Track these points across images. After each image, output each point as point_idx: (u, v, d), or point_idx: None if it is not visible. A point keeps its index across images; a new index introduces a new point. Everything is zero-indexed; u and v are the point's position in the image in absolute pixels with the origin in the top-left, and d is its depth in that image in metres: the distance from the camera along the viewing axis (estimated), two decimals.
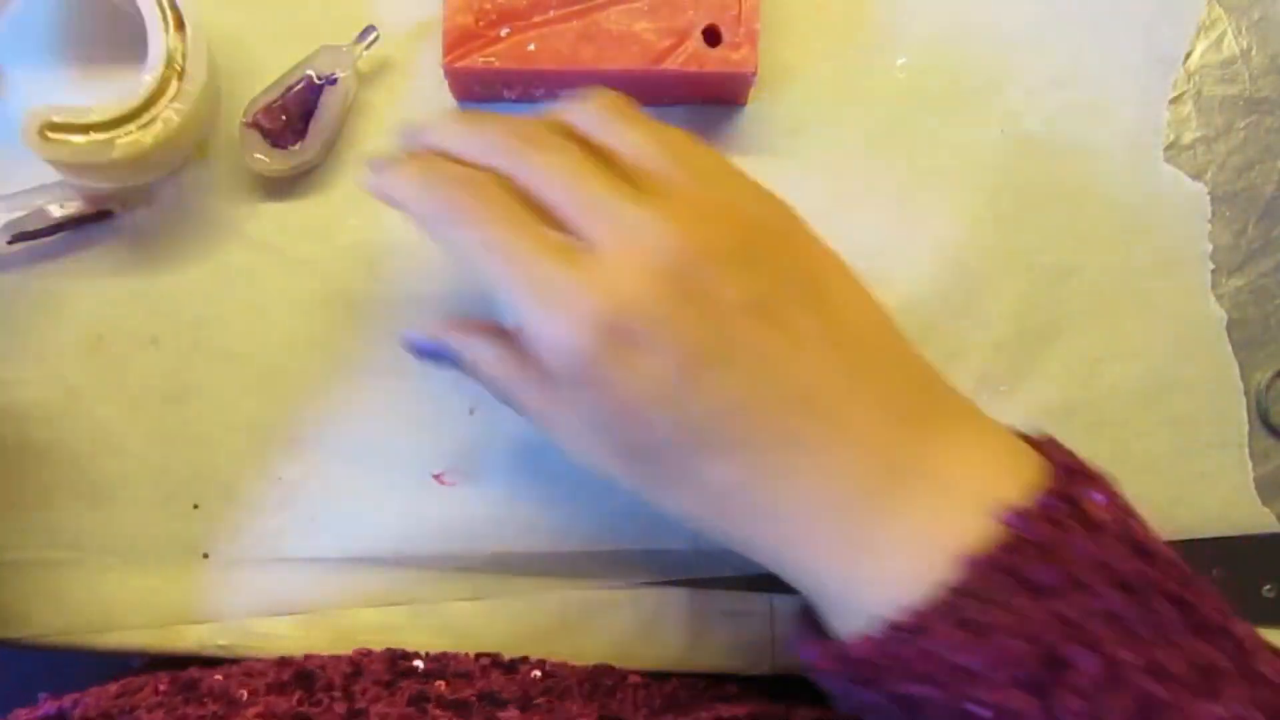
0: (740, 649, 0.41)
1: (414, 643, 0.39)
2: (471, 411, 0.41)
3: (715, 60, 0.39)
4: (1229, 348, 0.42)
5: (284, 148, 0.40)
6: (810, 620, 0.32)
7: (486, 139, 0.32)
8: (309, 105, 0.40)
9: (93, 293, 0.41)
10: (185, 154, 0.41)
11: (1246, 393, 0.42)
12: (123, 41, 0.40)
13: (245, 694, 0.34)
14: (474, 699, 0.36)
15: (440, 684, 0.36)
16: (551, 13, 0.39)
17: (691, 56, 0.39)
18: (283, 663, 0.37)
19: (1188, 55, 0.44)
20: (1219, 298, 0.43)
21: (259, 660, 0.37)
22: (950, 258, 0.42)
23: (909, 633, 0.28)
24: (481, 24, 0.39)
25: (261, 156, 0.40)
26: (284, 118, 0.40)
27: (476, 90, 0.41)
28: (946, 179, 0.42)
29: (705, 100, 0.42)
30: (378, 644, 0.39)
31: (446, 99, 0.42)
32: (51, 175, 0.40)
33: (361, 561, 0.41)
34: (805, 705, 0.36)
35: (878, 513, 0.29)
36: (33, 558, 0.41)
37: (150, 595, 0.41)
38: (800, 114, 0.43)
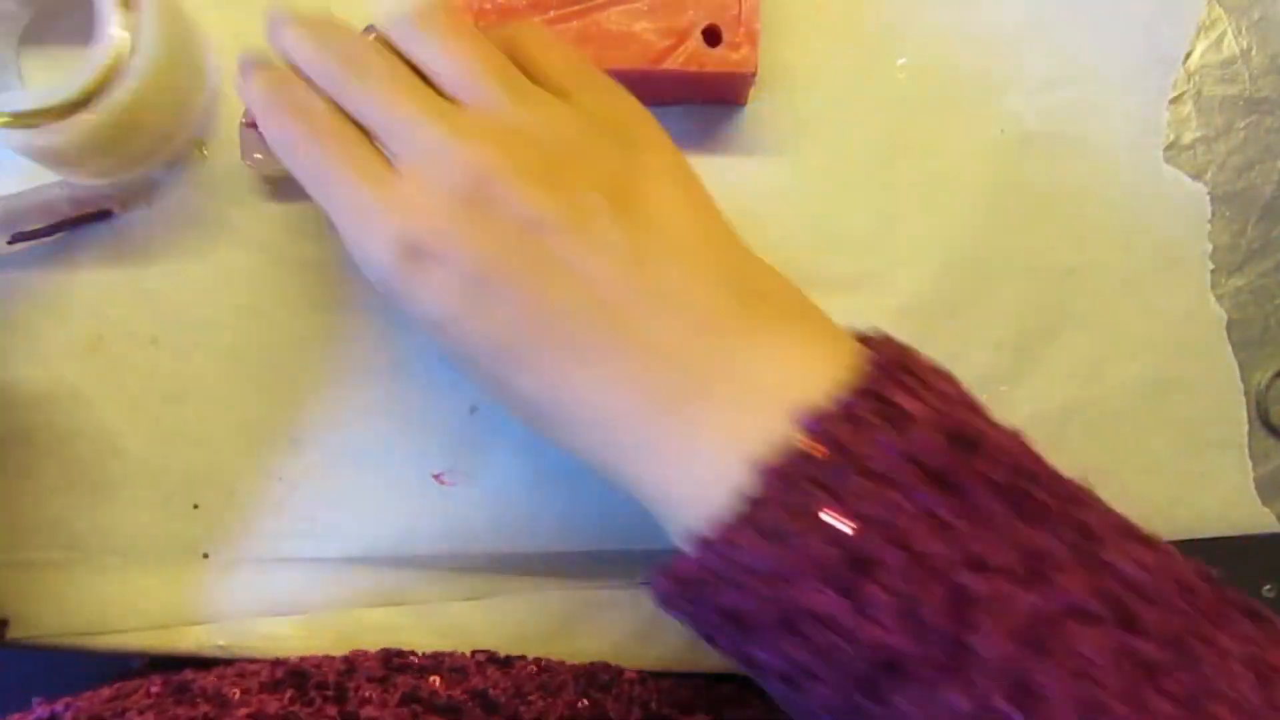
0: None
1: (414, 643, 0.39)
2: (472, 411, 0.41)
3: (715, 60, 0.39)
4: (1229, 348, 0.42)
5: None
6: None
7: (318, 61, 0.33)
8: None
9: (93, 293, 0.41)
10: (168, 141, 0.41)
11: (1246, 393, 0.42)
12: (81, 23, 0.39)
13: (237, 693, 0.34)
14: (466, 699, 0.36)
15: (435, 679, 0.36)
16: (551, 13, 0.39)
17: (691, 56, 0.39)
18: (277, 663, 0.37)
19: (1188, 55, 0.44)
20: (1219, 298, 0.43)
21: (254, 661, 0.37)
22: (950, 258, 0.42)
23: (715, 546, 0.28)
24: (481, 24, 0.39)
25: (260, 156, 0.40)
26: None
27: None
28: (946, 179, 0.42)
29: (705, 100, 0.42)
30: (378, 644, 0.39)
31: None
32: (50, 176, 0.40)
33: (361, 562, 0.41)
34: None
35: (678, 422, 0.29)
36: (32, 558, 0.41)
37: (150, 596, 0.41)
38: (800, 114, 0.43)
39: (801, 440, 0.27)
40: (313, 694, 0.35)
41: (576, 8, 0.39)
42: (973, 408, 0.30)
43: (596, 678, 0.39)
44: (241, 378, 0.41)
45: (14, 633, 0.40)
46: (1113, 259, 0.42)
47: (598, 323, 0.30)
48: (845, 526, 0.26)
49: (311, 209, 0.42)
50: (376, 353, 0.41)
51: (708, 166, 0.42)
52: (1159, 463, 0.42)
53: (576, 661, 0.40)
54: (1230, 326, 0.42)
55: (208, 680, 0.35)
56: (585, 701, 0.37)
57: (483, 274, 0.30)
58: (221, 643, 0.41)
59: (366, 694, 0.35)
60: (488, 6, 0.39)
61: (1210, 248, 0.43)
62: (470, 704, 0.36)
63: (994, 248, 0.42)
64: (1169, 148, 0.43)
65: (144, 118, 0.38)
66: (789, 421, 0.28)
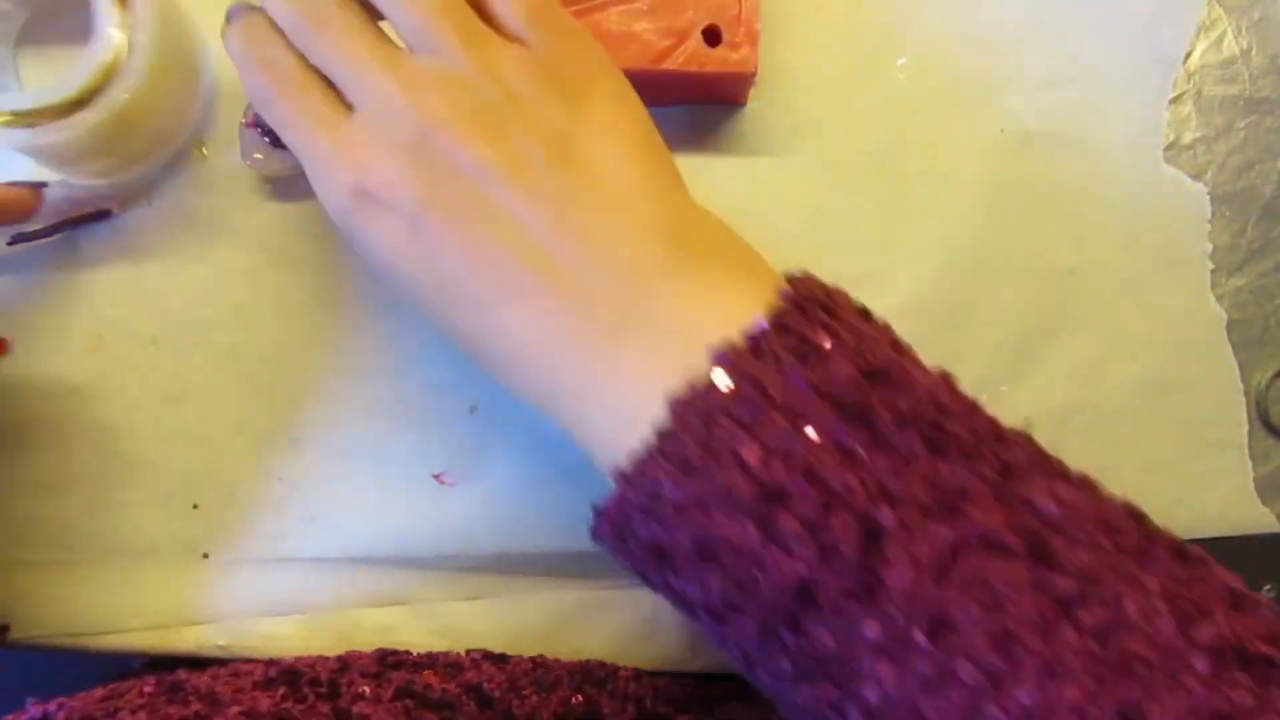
0: None
1: (413, 643, 0.39)
2: (472, 411, 0.41)
3: (715, 60, 0.39)
4: (1229, 348, 0.42)
5: (283, 148, 0.40)
6: None
7: (287, 14, 0.34)
8: None
9: (93, 293, 0.41)
10: (166, 140, 0.41)
11: (1246, 393, 0.42)
12: (76, 24, 0.39)
13: (230, 692, 0.34)
14: (461, 694, 0.36)
15: (429, 674, 0.37)
16: None
17: (691, 56, 0.39)
18: (271, 662, 0.37)
19: (1188, 55, 0.44)
20: (1219, 298, 0.43)
21: (250, 661, 0.37)
22: (950, 258, 0.42)
23: (633, 479, 0.29)
24: None
25: (260, 156, 0.40)
26: None
27: None
28: (946, 179, 0.42)
29: (705, 100, 0.42)
30: (377, 644, 0.39)
31: None
32: (49, 176, 0.40)
33: (361, 561, 0.41)
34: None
35: (602, 361, 0.30)
36: (32, 558, 0.41)
37: (150, 596, 0.41)
38: (800, 114, 0.43)
39: (713, 374, 0.28)
40: (305, 691, 0.35)
41: (577, 8, 0.39)
42: (895, 346, 0.30)
43: (592, 674, 0.39)
44: (241, 378, 0.41)
45: (14, 633, 0.40)
46: (1113, 259, 0.42)
47: (527, 265, 0.31)
48: (753, 458, 0.27)
49: (311, 209, 0.42)
50: (376, 352, 0.41)
51: (708, 166, 0.42)
52: (1159, 463, 0.42)
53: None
54: (1230, 326, 0.42)
55: (201, 680, 0.35)
56: (579, 697, 0.38)
57: (423, 218, 0.31)
58: (221, 642, 0.41)
59: (360, 689, 0.35)
60: None
61: (1210, 248, 0.43)
62: (465, 698, 0.36)
63: (994, 248, 0.42)
64: (1169, 148, 0.43)
65: (142, 116, 0.38)
66: (703, 357, 0.29)
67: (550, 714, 0.36)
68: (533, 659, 0.39)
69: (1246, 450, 0.42)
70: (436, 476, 0.41)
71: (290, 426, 0.41)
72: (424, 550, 0.41)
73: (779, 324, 0.29)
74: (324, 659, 0.37)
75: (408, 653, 0.38)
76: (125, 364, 0.41)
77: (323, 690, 0.35)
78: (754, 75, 0.40)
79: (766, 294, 0.30)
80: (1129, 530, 0.28)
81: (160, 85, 0.38)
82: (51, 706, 0.33)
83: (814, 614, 0.27)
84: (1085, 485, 0.29)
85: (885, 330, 0.31)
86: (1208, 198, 0.43)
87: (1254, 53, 0.44)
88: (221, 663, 0.38)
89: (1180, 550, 0.29)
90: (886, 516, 0.27)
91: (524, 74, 0.32)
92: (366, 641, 0.39)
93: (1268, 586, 0.42)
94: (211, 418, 0.41)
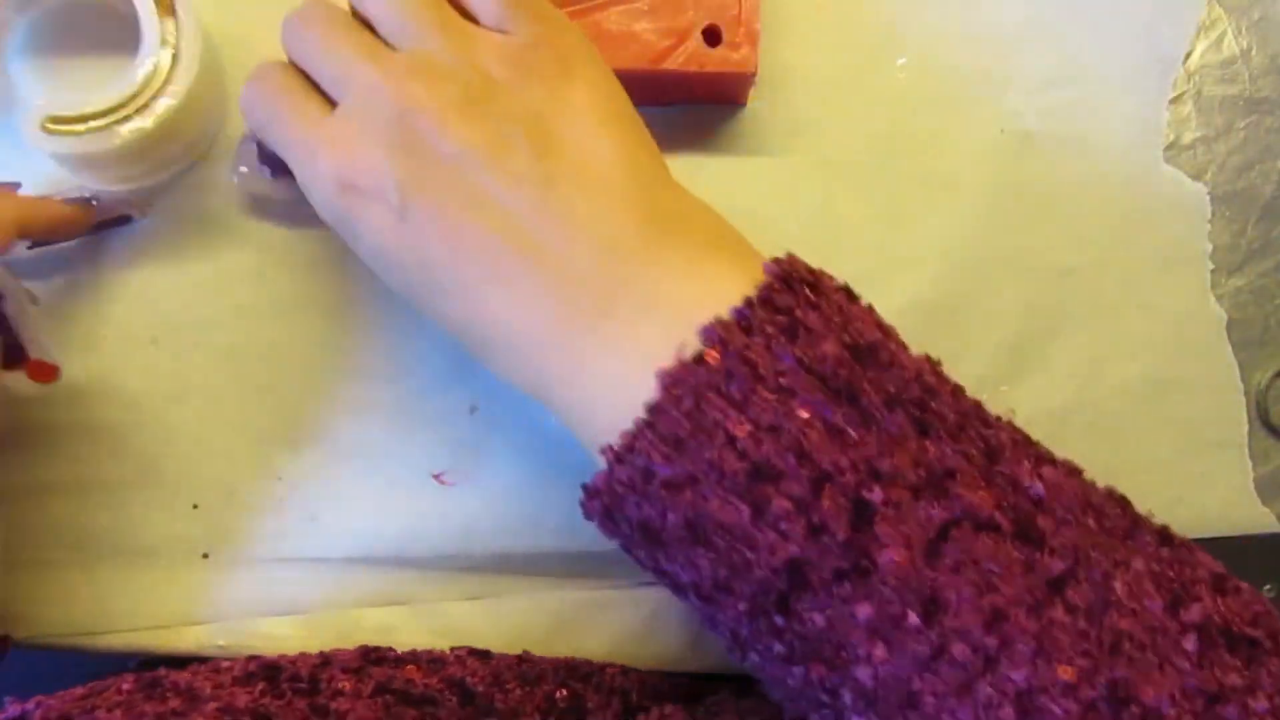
0: None
1: (413, 643, 0.39)
2: (472, 411, 0.41)
3: (715, 60, 0.39)
4: (1229, 348, 0.42)
5: (271, 175, 0.40)
6: None
7: (283, 26, 0.35)
8: None
9: (93, 293, 0.41)
10: (193, 148, 0.41)
11: (1246, 393, 0.42)
12: (115, 33, 0.40)
13: (209, 688, 0.34)
14: (443, 689, 0.36)
15: (411, 668, 0.37)
16: None
17: (691, 56, 0.39)
18: (251, 658, 0.37)
19: (1187, 55, 0.44)
20: (1219, 298, 0.43)
21: (230, 659, 0.37)
22: (950, 258, 0.42)
23: (622, 456, 0.29)
24: None
25: (245, 170, 0.40)
26: None
27: None
28: (946, 179, 0.42)
29: (706, 100, 0.42)
30: (377, 644, 0.39)
31: None
32: (69, 181, 0.40)
33: (361, 561, 0.41)
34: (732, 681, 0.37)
35: (587, 340, 0.31)
36: (33, 558, 0.41)
37: (150, 596, 0.41)
38: (800, 114, 0.43)
39: (700, 350, 0.28)
40: (284, 687, 0.35)
41: (576, 8, 0.39)
42: (879, 326, 0.30)
43: (577, 669, 0.39)
44: (241, 378, 0.41)
45: (15, 633, 0.40)
46: (1113, 259, 0.42)
47: (511, 248, 0.31)
48: (743, 434, 0.27)
49: (312, 209, 0.42)
50: (376, 353, 0.41)
51: (708, 166, 0.42)
52: (1159, 463, 0.42)
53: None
54: (1230, 326, 0.42)
55: (180, 676, 0.35)
56: (564, 691, 0.38)
57: (407, 205, 0.31)
58: (221, 642, 0.41)
59: (339, 685, 0.35)
60: None
61: (1210, 248, 0.43)
62: (446, 693, 0.36)
63: (994, 247, 0.42)
64: (1169, 148, 0.43)
65: (182, 124, 0.39)
66: (692, 334, 0.29)
67: (534, 708, 0.37)
68: (518, 655, 0.39)
69: (1246, 450, 0.42)
70: (437, 477, 0.41)
71: (290, 427, 0.41)
72: (424, 550, 0.41)
73: (767, 301, 0.29)
74: (306, 655, 0.37)
75: (391, 649, 0.38)
76: (125, 364, 0.41)
77: (302, 686, 0.35)
78: (754, 75, 0.40)
79: (752, 272, 0.30)
80: (1113, 513, 0.28)
81: (198, 95, 0.39)
82: (30, 705, 0.33)
83: (805, 595, 0.27)
84: (1069, 468, 0.30)
85: (869, 310, 0.31)
86: (1208, 198, 0.43)
87: (1254, 53, 0.44)
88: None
89: (1164, 534, 0.29)
90: (876, 495, 0.27)
91: (503, 60, 0.33)
92: (366, 641, 0.39)
93: (1268, 586, 0.42)
94: (212, 418, 0.41)
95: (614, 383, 0.30)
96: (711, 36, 0.39)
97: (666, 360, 0.29)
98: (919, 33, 0.43)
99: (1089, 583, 0.26)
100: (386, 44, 0.34)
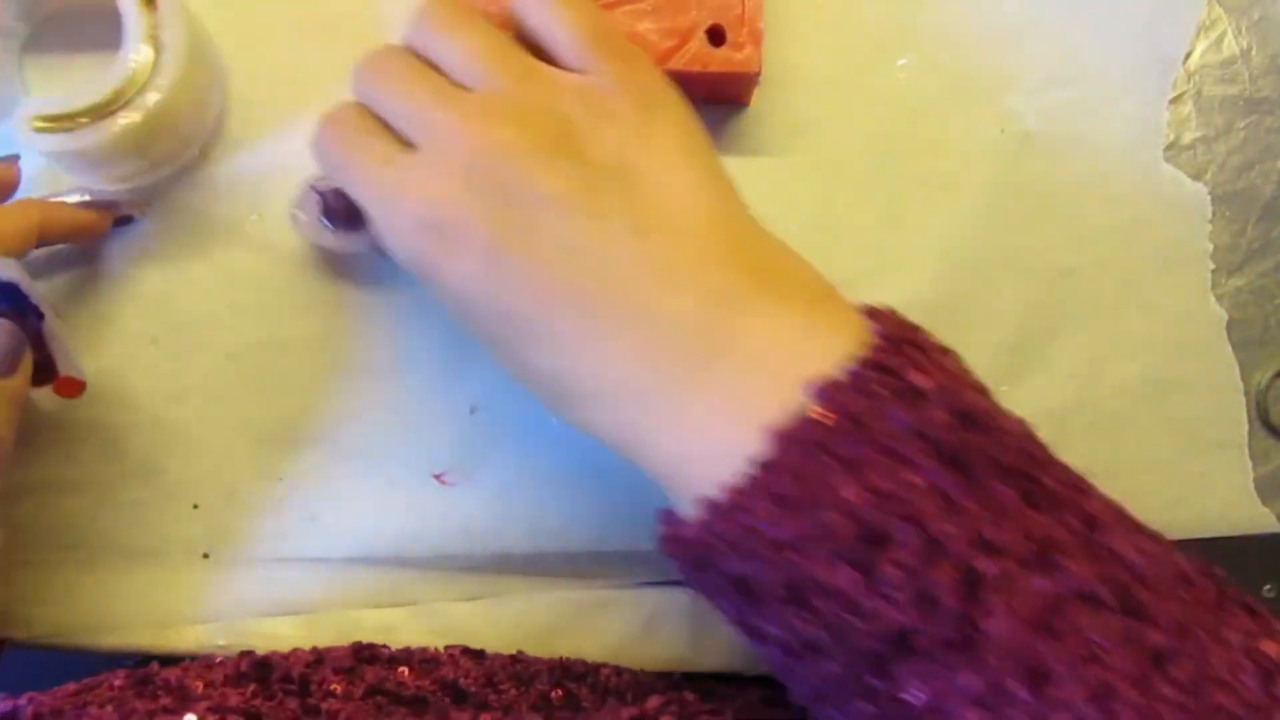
0: (740, 649, 0.41)
1: (413, 643, 0.39)
2: (472, 411, 0.41)
3: (719, 60, 0.39)
4: (1229, 348, 0.42)
5: (333, 227, 0.39)
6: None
7: (354, 73, 0.35)
8: None
9: (94, 292, 0.41)
10: (190, 144, 0.41)
11: (1246, 393, 0.42)
12: (80, 33, 0.40)
13: (200, 686, 0.34)
14: (435, 690, 0.36)
15: (404, 670, 0.37)
16: None
17: (695, 57, 0.39)
18: (244, 655, 0.37)
19: (1187, 55, 0.44)
20: (1219, 298, 0.43)
21: (224, 656, 0.37)
22: (950, 258, 0.42)
23: (725, 510, 0.28)
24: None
25: (303, 216, 0.39)
26: (350, 204, 0.36)
27: None
28: (947, 179, 0.42)
29: (709, 100, 0.42)
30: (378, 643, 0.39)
31: None
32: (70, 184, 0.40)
33: (362, 562, 0.41)
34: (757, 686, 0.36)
35: (688, 393, 0.30)
36: (33, 558, 0.41)
37: (150, 596, 0.41)
38: (801, 114, 0.43)
39: (814, 409, 0.28)
40: (275, 687, 0.35)
41: None
42: (978, 389, 0.30)
43: (571, 669, 0.39)
44: (242, 378, 0.41)
45: (16, 633, 0.40)
46: (1113, 259, 0.42)
47: (607, 297, 0.30)
48: (855, 497, 0.27)
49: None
50: (377, 352, 0.41)
51: None
52: (1159, 463, 0.42)
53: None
54: (1230, 326, 0.42)
55: (171, 673, 0.35)
56: (559, 691, 0.38)
57: (498, 251, 0.31)
58: (221, 642, 0.40)
59: (331, 686, 0.35)
60: (493, 10, 0.39)
61: (1211, 248, 0.43)
62: (438, 694, 0.36)
63: (994, 247, 0.42)
64: (1169, 148, 0.43)
65: (171, 119, 0.38)
66: (801, 390, 0.28)
67: (528, 707, 0.36)
68: (511, 655, 0.39)
69: (1247, 450, 0.42)
70: (438, 477, 0.41)
71: (291, 427, 0.41)
72: (424, 550, 0.41)
73: (877, 362, 0.28)
74: (299, 652, 0.37)
75: (385, 647, 0.38)
76: (126, 364, 0.41)
77: (293, 687, 0.35)
78: (758, 75, 0.40)
79: (855, 329, 0.30)
80: (1203, 583, 0.28)
81: (187, 87, 0.38)
82: (21, 701, 0.33)
83: (908, 661, 0.27)
84: (1159, 538, 0.29)
85: (966, 368, 0.31)
86: (1208, 198, 0.43)
87: (1254, 53, 0.44)
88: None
89: (1249, 605, 0.29)
90: (987, 566, 0.26)
91: (586, 102, 0.32)
92: (364, 640, 0.39)
93: (1268, 586, 0.42)
94: (212, 418, 0.41)
95: (716, 436, 0.29)
96: (715, 36, 0.39)
97: (773, 416, 0.28)
98: (919, 33, 0.43)
99: (1189, 656, 0.26)
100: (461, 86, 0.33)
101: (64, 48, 0.41)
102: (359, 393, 0.41)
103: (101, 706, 0.33)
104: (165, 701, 0.33)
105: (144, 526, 0.41)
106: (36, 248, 0.38)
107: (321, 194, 0.38)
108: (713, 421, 0.29)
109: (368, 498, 0.41)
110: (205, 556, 0.41)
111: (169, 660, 0.38)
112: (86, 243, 0.40)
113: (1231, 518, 0.42)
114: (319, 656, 0.37)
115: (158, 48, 0.37)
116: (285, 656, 0.37)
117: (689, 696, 0.36)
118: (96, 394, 0.41)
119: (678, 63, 0.39)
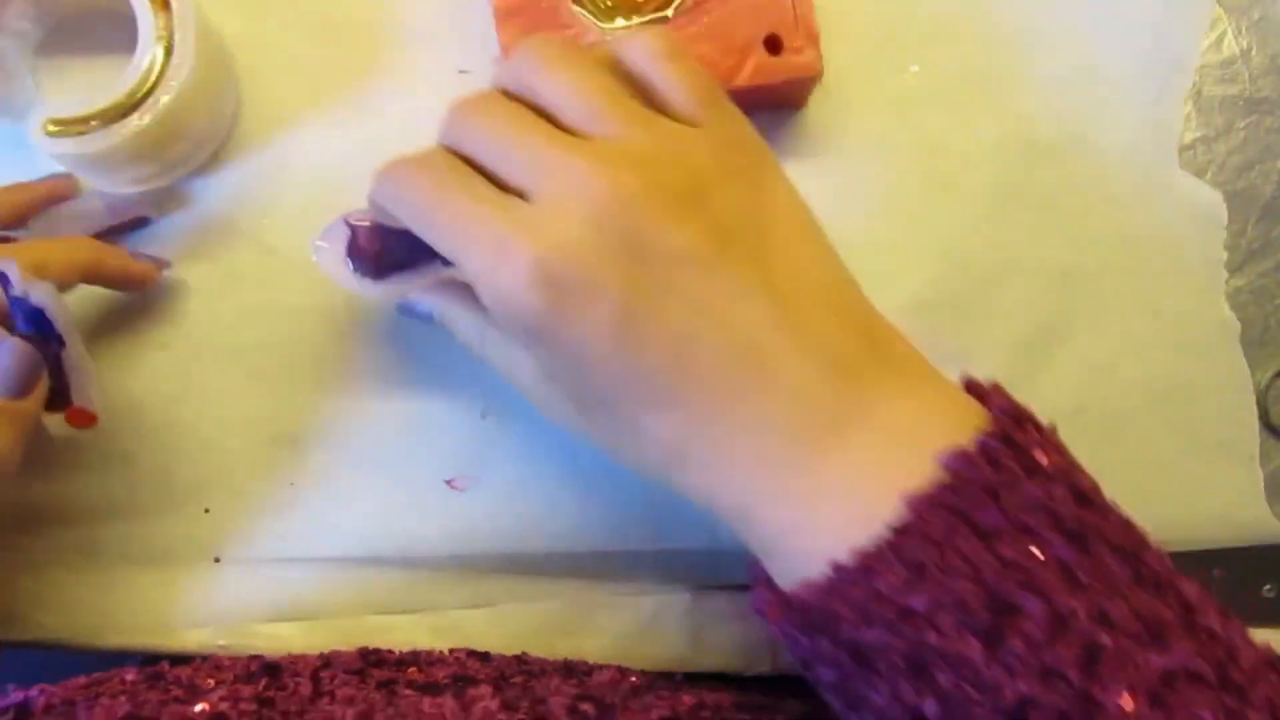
0: (740, 650, 0.42)
1: (416, 645, 0.39)
2: (483, 415, 0.41)
3: (784, 68, 0.38)
4: (1239, 351, 0.42)
5: (356, 268, 0.35)
6: (764, 570, 0.32)
7: (448, 121, 0.32)
8: (407, 259, 0.34)
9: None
10: (204, 146, 0.41)
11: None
12: (130, 38, 0.40)
13: (211, 683, 0.34)
14: (448, 680, 0.36)
15: (412, 670, 0.37)
16: None
17: (758, 69, 0.38)
18: (253, 658, 0.37)
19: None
20: None
21: (232, 658, 0.37)
22: (956, 258, 0.42)
23: (855, 575, 0.28)
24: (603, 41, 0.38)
25: (325, 247, 0.35)
26: (382, 249, 0.34)
27: None
28: (955, 180, 0.42)
29: (767, 108, 0.41)
30: (382, 646, 0.39)
31: None
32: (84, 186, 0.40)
33: (369, 565, 0.41)
34: (795, 699, 0.37)
35: (819, 460, 0.29)
36: (44, 561, 0.40)
37: (156, 598, 0.41)
38: (809, 115, 0.42)
39: (948, 480, 0.28)
40: (286, 680, 0.35)
41: None
42: (1078, 467, 0.30)
43: (575, 670, 0.39)
44: (250, 381, 0.41)
45: (29, 634, 0.40)
46: (1121, 261, 0.42)
47: (743, 363, 0.29)
48: (988, 568, 0.27)
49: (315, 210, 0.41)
50: (386, 356, 0.41)
51: None
52: (1166, 466, 0.42)
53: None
54: None
55: (182, 671, 0.35)
56: (569, 683, 0.38)
57: (630, 310, 0.29)
58: (223, 642, 0.40)
59: (342, 681, 0.35)
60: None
61: (1225, 255, 0.43)
62: (451, 683, 0.36)
63: (1000, 249, 0.42)
64: None
65: (183, 122, 0.38)
66: (933, 460, 0.28)
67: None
68: (516, 656, 0.40)
69: (1257, 455, 0.42)
70: (449, 482, 0.41)
71: (300, 430, 0.41)
72: (433, 553, 0.41)
73: (1004, 436, 0.28)
74: (306, 656, 0.37)
75: (391, 651, 0.38)
76: (134, 367, 0.41)
77: (303, 680, 0.35)
78: (820, 76, 0.39)
79: (972, 404, 0.30)
80: (1278, 663, 0.29)
81: (200, 90, 0.38)
82: (33, 692, 0.33)
83: None
84: (1242, 625, 0.30)
85: (1064, 445, 0.31)
86: (1223, 202, 0.43)
87: (1254, 53, 0.44)
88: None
89: None
90: (1107, 640, 0.26)
91: (707, 152, 0.31)
92: (372, 644, 0.39)
93: (1268, 586, 0.42)
94: (221, 420, 0.41)
95: (847, 503, 0.29)
96: (772, 45, 0.38)
97: (908, 483, 0.28)
98: (928, 34, 0.43)
99: None
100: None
101: (76, 51, 0.41)
102: (370, 396, 0.41)
103: (114, 698, 0.33)
104: (176, 693, 0.33)
105: (155, 531, 0.40)
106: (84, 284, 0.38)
107: (354, 228, 0.35)
108: (844, 488, 0.29)
109: (378, 501, 0.41)
110: (216, 560, 0.41)
111: (176, 661, 0.38)
112: (127, 292, 0.40)
113: (1238, 521, 0.42)
114: (326, 660, 0.37)
115: (170, 50, 0.37)
116: (293, 660, 0.37)
117: (725, 699, 0.35)
118: (105, 398, 0.40)
119: (743, 79, 0.38)
